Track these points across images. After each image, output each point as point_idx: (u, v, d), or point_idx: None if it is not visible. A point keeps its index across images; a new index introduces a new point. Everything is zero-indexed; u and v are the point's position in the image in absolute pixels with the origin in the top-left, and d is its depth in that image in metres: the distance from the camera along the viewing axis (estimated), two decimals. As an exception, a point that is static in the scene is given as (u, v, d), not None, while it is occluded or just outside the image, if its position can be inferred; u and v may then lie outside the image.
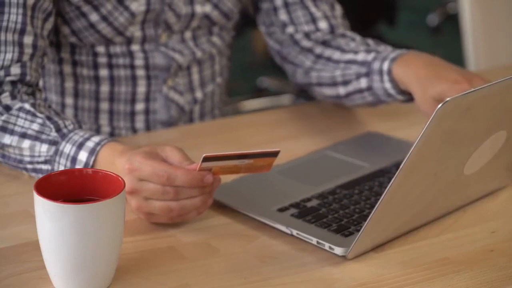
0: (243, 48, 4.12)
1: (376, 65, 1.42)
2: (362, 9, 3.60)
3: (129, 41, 1.48)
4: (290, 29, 1.54)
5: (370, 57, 1.44)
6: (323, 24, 1.53)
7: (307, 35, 1.53)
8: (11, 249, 1.14)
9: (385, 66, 1.40)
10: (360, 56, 1.45)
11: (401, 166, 1.04)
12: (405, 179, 1.06)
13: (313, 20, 1.53)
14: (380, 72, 1.41)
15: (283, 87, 3.79)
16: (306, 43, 1.53)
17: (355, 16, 3.46)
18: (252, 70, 4.10)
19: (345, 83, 1.47)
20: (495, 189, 1.30)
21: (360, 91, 1.46)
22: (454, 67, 1.36)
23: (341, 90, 1.48)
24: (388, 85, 1.41)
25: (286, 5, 1.54)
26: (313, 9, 1.53)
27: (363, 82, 1.45)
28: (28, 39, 1.34)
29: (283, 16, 1.54)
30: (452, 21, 4.32)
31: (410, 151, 1.03)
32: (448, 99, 0.99)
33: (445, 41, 4.53)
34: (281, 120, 1.56)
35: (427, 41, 4.54)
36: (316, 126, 1.54)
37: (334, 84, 1.49)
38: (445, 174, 1.13)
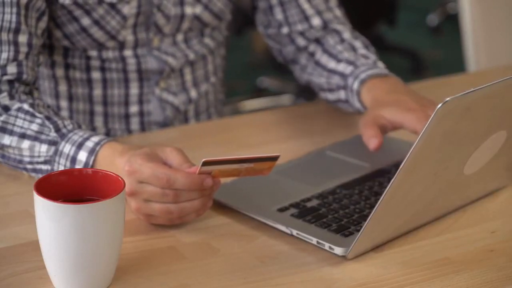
0: (243, 48, 4.12)
1: (350, 82, 1.44)
2: (362, 9, 3.60)
3: (121, 46, 1.48)
4: (285, 29, 1.55)
5: (348, 70, 1.46)
6: (316, 21, 1.54)
7: (302, 34, 1.55)
8: (11, 249, 1.14)
9: (355, 86, 1.43)
10: (341, 67, 1.47)
11: (401, 166, 1.04)
12: (405, 179, 1.06)
13: (306, 18, 1.54)
14: (352, 90, 1.44)
15: (283, 87, 3.79)
16: (301, 41, 1.55)
17: (355, 16, 3.47)
18: (252, 70, 4.10)
19: (330, 90, 1.50)
20: (495, 189, 1.30)
21: (341, 101, 1.49)
22: (415, 95, 1.35)
23: (329, 96, 1.51)
24: (358, 104, 1.43)
25: (281, 3, 1.54)
26: (305, 6, 1.54)
27: (342, 94, 1.47)
28: (23, 38, 1.34)
29: (278, 15, 1.55)
30: (452, 21, 4.32)
31: (410, 151, 1.03)
32: (448, 99, 0.99)
33: (445, 41, 4.53)
34: (281, 120, 1.56)
35: (427, 41, 4.55)
36: (316, 126, 1.54)
37: (322, 89, 1.52)
38: (445, 174, 1.13)
